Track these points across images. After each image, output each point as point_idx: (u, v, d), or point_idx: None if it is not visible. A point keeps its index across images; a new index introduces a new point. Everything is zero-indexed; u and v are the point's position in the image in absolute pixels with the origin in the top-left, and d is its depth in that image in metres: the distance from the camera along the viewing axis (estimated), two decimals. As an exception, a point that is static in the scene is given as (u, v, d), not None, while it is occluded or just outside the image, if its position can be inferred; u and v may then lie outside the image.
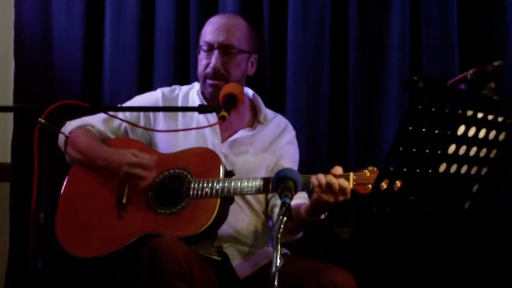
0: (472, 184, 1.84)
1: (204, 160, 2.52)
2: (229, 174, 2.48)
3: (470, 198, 1.86)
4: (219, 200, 2.41)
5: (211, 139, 2.64)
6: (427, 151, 1.67)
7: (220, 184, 2.43)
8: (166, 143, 2.64)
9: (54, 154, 2.62)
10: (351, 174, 2.31)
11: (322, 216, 2.39)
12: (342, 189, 2.27)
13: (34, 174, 1.99)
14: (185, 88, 2.79)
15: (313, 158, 3.14)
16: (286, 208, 1.79)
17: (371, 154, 3.11)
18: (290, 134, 2.77)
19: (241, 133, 2.68)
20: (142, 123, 2.67)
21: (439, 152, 1.69)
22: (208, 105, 2.58)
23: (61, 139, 2.67)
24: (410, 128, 1.61)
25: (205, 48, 2.65)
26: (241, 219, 2.58)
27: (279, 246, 1.66)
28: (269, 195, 2.65)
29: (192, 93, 2.74)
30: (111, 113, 2.57)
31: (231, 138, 2.66)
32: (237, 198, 2.54)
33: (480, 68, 1.89)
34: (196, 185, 2.44)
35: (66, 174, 2.64)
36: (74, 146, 2.61)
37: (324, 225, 2.53)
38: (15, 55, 3.40)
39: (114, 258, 2.44)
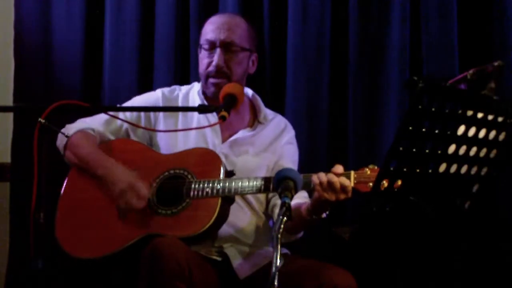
0: (472, 184, 1.84)
1: (205, 161, 2.52)
2: (229, 174, 2.48)
3: (470, 198, 1.86)
4: (220, 200, 2.41)
5: (211, 139, 2.64)
6: (427, 151, 1.67)
7: (221, 184, 2.43)
8: (166, 144, 2.64)
9: (54, 154, 2.62)
10: (352, 172, 2.32)
11: (323, 215, 2.39)
12: (343, 187, 2.27)
13: (34, 174, 1.99)
14: (185, 88, 2.79)
15: (313, 158, 3.14)
16: (286, 208, 1.79)
17: (371, 154, 3.11)
18: (290, 134, 2.77)
19: (241, 133, 2.68)
20: (142, 124, 2.67)
21: (439, 152, 1.69)
22: (208, 105, 2.58)
23: (59, 140, 2.67)
24: (410, 128, 1.61)
25: (206, 46, 2.65)
26: (241, 219, 2.58)
27: (279, 246, 1.67)
28: (270, 195, 2.65)
29: (192, 93, 2.74)
30: (111, 113, 2.57)
31: (231, 138, 2.66)
32: (237, 198, 2.54)
33: (480, 68, 1.89)
34: (197, 185, 2.44)
35: (66, 174, 2.63)
36: (74, 151, 2.61)
37: (324, 225, 2.53)
38: (15, 55, 3.40)
39: (115, 259, 2.43)
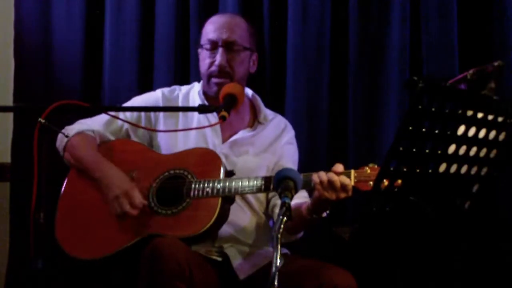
0: (472, 184, 1.84)
1: (205, 161, 2.52)
2: (229, 174, 2.48)
3: (470, 198, 1.86)
4: (220, 200, 2.41)
5: (211, 139, 2.64)
6: (427, 151, 1.67)
7: (221, 184, 2.43)
8: (166, 144, 2.64)
9: (54, 154, 2.62)
10: (352, 171, 2.32)
11: (324, 214, 2.39)
12: (343, 186, 2.27)
13: (34, 174, 1.99)
14: (185, 88, 2.79)
15: (313, 158, 3.14)
16: (286, 208, 1.79)
17: (371, 154, 3.11)
18: (290, 134, 2.78)
19: (241, 134, 2.68)
20: (142, 124, 2.67)
21: (439, 152, 1.69)
22: (208, 105, 2.58)
23: (59, 142, 2.66)
24: (410, 128, 1.62)
25: (208, 46, 2.65)
26: (241, 219, 2.58)
27: (279, 246, 1.67)
28: (270, 195, 2.65)
29: (192, 93, 2.74)
30: (111, 113, 2.57)
31: (232, 139, 2.66)
32: (237, 198, 2.54)
33: (480, 68, 1.90)
34: (197, 185, 2.44)
35: (66, 175, 2.63)
36: (72, 153, 2.60)
37: (325, 224, 2.53)
38: (15, 55, 3.40)
39: (115, 259, 2.43)
